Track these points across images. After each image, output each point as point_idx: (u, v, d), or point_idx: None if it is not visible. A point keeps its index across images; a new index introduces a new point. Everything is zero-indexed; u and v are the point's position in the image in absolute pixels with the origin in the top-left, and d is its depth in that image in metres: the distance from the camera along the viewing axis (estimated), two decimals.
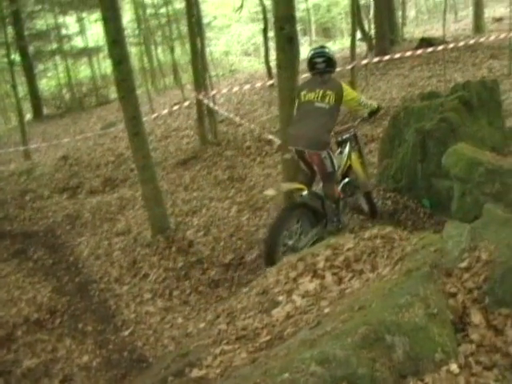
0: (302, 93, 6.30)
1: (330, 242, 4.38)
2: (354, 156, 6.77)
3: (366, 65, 14.52)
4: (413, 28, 32.49)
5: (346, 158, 6.64)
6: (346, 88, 6.23)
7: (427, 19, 40.59)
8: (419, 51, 13.52)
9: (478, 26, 21.45)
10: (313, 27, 41.40)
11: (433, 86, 13.40)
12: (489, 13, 26.61)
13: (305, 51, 31.40)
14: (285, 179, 7.19)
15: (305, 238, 6.13)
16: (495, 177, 4.68)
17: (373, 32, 21.41)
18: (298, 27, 33.37)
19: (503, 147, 7.15)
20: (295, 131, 6.22)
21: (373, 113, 6.59)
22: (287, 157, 6.87)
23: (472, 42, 14.37)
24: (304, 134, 6.07)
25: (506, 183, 4.66)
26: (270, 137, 11.12)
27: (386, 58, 13.61)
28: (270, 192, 6.36)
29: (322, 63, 6.18)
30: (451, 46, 14.06)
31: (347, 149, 6.67)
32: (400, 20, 26.20)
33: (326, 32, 44.71)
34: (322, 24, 43.01)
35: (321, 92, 6.11)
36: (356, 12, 16.69)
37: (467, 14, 30.91)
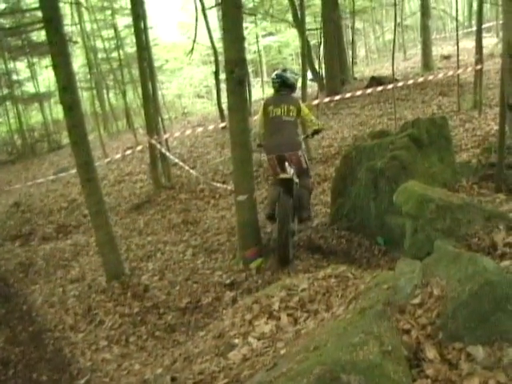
0: (270, 107, 7.64)
1: (284, 282, 4.41)
2: None
3: (317, 105, 14.73)
4: (363, 67, 33.24)
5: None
6: (303, 105, 7.80)
7: (377, 58, 41.57)
8: (369, 90, 13.78)
9: (427, 64, 22.00)
10: (264, 68, 41.90)
11: (384, 124, 13.68)
12: (437, 51, 27.39)
13: (257, 93, 31.76)
14: (239, 221, 7.26)
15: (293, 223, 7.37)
16: (446, 213, 4.77)
17: (323, 72, 21.77)
18: (250, 69, 33.78)
19: (454, 183, 7.29)
20: (274, 142, 7.51)
21: (316, 131, 7.97)
22: (241, 199, 6.93)
23: (421, 79, 14.75)
24: (283, 141, 7.42)
25: (457, 218, 4.76)
26: (218, 185, 11.20)
27: (337, 97, 13.86)
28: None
29: (279, 84, 7.73)
30: (401, 84, 14.41)
31: None
32: (350, 59, 26.71)
33: None
34: (273, 65, 43.57)
35: (285, 107, 7.51)
36: (306, 53, 17.02)
37: (416, 52, 31.79)
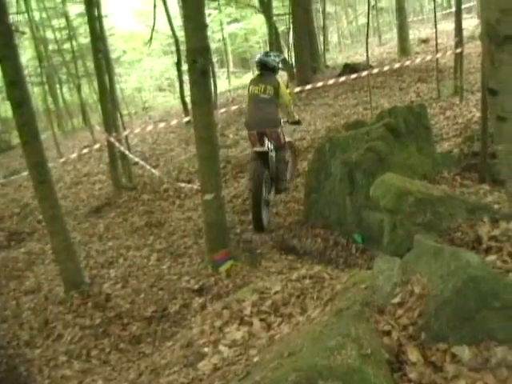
0: (250, 87, 8.95)
1: (256, 285, 4.41)
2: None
3: None
4: (336, 54, 33.33)
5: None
6: (282, 86, 8.85)
7: (350, 44, 41.70)
8: (343, 78, 13.79)
9: (404, 49, 22.04)
10: (230, 58, 41.84)
11: (359, 114, 13.76)
12: (414, 34, 27.52)
13: (223, 84, 31.72)
14: (206, 222, 7.24)
15: (269, 194, 8.73)
16: (426, 206, 4.80)
17: (293, 60, 21.79)
18: (215, 58, 33.71)
19: (435, 174, 7.35)
20: (254, 119, 8.78)
21: (294, 122, 9.35)
22: (208, 198, 6.92)
23: (398, 65, 14.82)
24: (262, 118, 8.64)
25: (438, 212, 4.79)
26: (183, 184, 11.17)
27: (308, 87, 13.85)
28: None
29: (260, 67, 8.97)
30: (376, 71, 14.44)
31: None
32: (322, 46, 26.73)
33: (245, 62, 45.28)
34: (239, 54, 43.58)
35: (263, 86, 8.71)
36: (274, 40, 17.09)
37: (392, 36, 31.94)
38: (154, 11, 15.26)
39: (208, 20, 28.49)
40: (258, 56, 9.22)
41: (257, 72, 9.22)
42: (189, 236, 8.84)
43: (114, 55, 28.57)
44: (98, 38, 12.35)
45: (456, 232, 4.62)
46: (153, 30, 15.25)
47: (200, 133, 6.84)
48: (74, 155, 15.48)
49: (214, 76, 19.59)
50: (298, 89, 14.45)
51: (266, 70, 8.93)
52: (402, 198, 4.88)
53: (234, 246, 7.61)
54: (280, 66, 9.24)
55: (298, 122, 9.47)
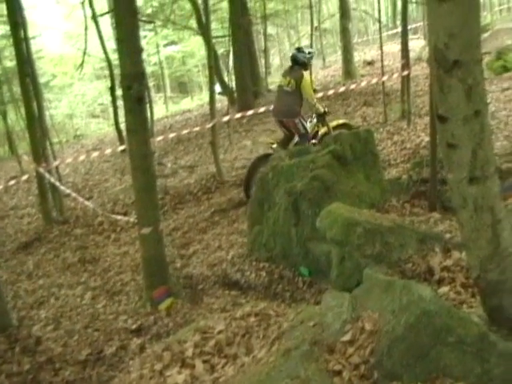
0: (280, 79, 10.52)
1: (198, 324, 4.37)
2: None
3: (228, 121, 14.79)
4: (278, 77, 33.50)
5: (311, 128, 10.52)
6: (306, 79, 10.04)
7: None
8: None
9: (349, 72, 22.23)
10: (167, 82, 41.82)
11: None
12: (359, 56, 27.93)
13: (160, 110, 31.64)
14: (144, 257, 7.17)
15: None
16: (375, 237, 4.84)
17: (234, 84, 21.88)
18: (151, 83, 33.58)
19: (383, 202, 7.42)
20: (275, 108, 10.59)
21: (319, 114, 10.50)
22: (145, 232, 6.85)
23: (342, 89, 14.99)
24: (280, 108, 10.37)
25: (388, 243, 4.84)
26: (118, 217, 11.07)
27: (250, 112, 13.91)
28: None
29: (292, 61, 10.30)
30: (320, 95, 14.56)
31: (310, 123, 10.54)
32: (263, 69, 26.93)
33: (183, 87, 45.29)
34: (177, 78, 43.57)
35: (288, 79, 10.12)
36: (213, 63, 17.07)
37: (336, 58, 32.34)
38: (86, 33, 15.19)
39: (143, 42, 28.51)
40: (292, 52, 10.69)
41: (289, 65, 10.53)
42: (126, 272, 8.73)
43: (42, 80, 28.26)
44: (25, 61, 12.20)
45: (407, 263, 4.67)
46: (84, 53, 15.16)
47: (136, 163, 6.78)
48: (0, 187, 15.20)
49: (151, 102, 19.52)
50: (238, 114, 14.48)
51: (297, 64, 10.19)
52: (350, 229, 4.91)
53: (174, 281, 7.53)
54: (310, 61, 10.62)
55: (323, 114, 10.48)
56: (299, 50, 10.52)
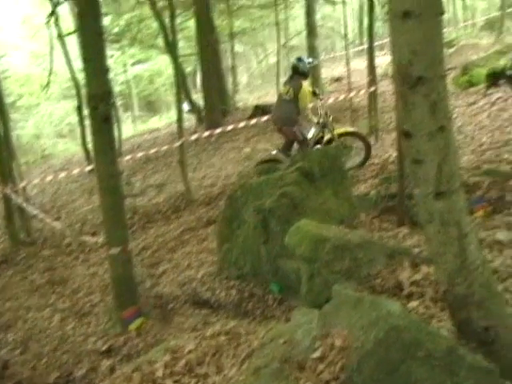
0: (281, 87, 10.83)
1: (168, 344, 4.35)
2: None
3: (196, 140, 14.78)
4: (246, 95, 33.59)
5: (314, 134, 10.68)
6: (304, 89, 10.23)
7: (261, 84, 42.14)
8: (254, 120, 13.92)
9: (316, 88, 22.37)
10: (135, 101, 41.68)
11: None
12: (326, 73, 28.05)
13: (128, 129, 31.50)
14: (113, 278, 7.12)
15: None
16: (344, 253, 4.86)
17: (202, 102, 21.88)
18: (118, 102, 33.35)
19: (352, 218, 7.44)
20: (273, 115, 10.88)
21: (324, 122, 10.74)
22: (114, 252, 6.82)
23: (310, 105, 15.03)
24: (279, 115, 10.56)
25: (357, 258, 4.85)
26: (86, 238, 11.00)
27: (218, 130, 13.92)
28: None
29: (292, 70, 10.51)
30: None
31: (314, 129, 10.71)
32: (231, 87, 26.99)
33: (151, 105, 45.16)
34: (145, 97, 43.41)
35: (287, 88, 10.33)
36: (181, 81, 17.08)
37: None
38: (51, 53, 15.11)
39: (110, 62, 28.39)
40: (292, 61, 10.87)
41: (289, 74, 10.71)
42: (95, 293, 8.66)
43: (9, 100, 28.02)
44: None
45: (376, 279, 4.69)
46: (50, 73, 15.08)
47: (103, 183, 6.75)
48: None
49: (118, 121, 19.50)
50: (207, 133, 14.48)
51: (297, 73, 10.42)
52: (319, 246, 4.92)
53: (144, 301, 7.49)
54: (310, 70, 10.94)
55: (317, 124, 10.75)
56: (299, 59, 10.71)
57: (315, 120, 10.68)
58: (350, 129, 11.57)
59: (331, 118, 10.87)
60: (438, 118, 2.82)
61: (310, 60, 11.08)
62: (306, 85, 10.62)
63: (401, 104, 2.87)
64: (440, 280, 3.25)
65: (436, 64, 2.80)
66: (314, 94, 11.01)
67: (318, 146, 10.58)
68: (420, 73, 2.75)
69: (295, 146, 10.67)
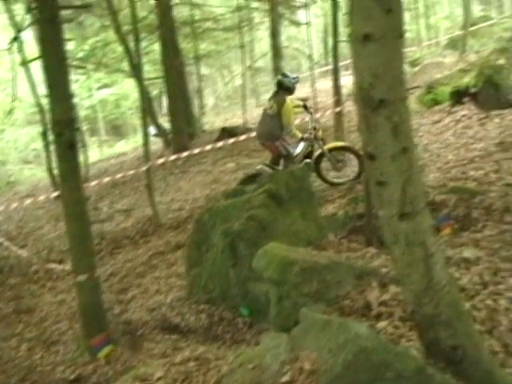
0: (266, 103, 10.84)
1: (138, 372, 4.31)
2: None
3: (163, 164, 14.75)
4: (213, 117, 33.65)
5: (303, 149, 10.80)
6: (287, 105, 10.36)
7: (228, 106, 42.25)
8: (220, 143, 13.97)
9: None
10: (101, 125, 41.52)
11: (239, 180, 13.87)
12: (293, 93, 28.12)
13: (94, 154, 31.36)
14: (81, 305, 7.06)
15: None
16: (312, 275, 4.87)
17: (168, 126, 21.88)
18: (85, 127, 33.23)
19: (320, 239, 7.45)
20: (258, 131, 11.04)
21: (314, 136, 10.86)
22: (81, 279, 6.76)
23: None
24: (262, 131, 10.72)
25: (325, 280, 4.86)
26: (53, 265, 10.90)
27: (185, 154, 13.93)
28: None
29: (277, 86, 10.65)
30: (254, 134, 14.66)
31: (303, 144, 10.82)
32: (198, 110, 27.01)
33: (117, 130, 45.00)
34: (111, 121, 43.23)
35: (271, 103, 10.52)
36: (147, 105, 17.11)
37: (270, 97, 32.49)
38: (14, 79, 15.02)
39: (75, 86, 28.28)
40: (277, 77, 11.05)
41: (274, 90, 10.80)
42: (62, 321, 8.56)
43: None
44: None
45: (345, 300, 4.70)
46: (14, 99, 14.99)
47: (69, 209, 6.70)
48: None
49: (85, 146, 19.35)
50: (173, 156, 14.49)
51: (282, 89, 10.54)
52: (287, 268, 4.92)
53: (113, 328, 7.42)
54: (295, 86, 10.81)
55: (301, 139, 10.85)
56: (284, 75, 10.90)
57: (299, 135, 10.77)
58: (340, 143, 11.73)
59: (321, 132, 11.04)
60: (400, 139, 2.85)
61: (295, 76, 11.12)
62: (290, 101, 10.66)
63: (363, 126, 2.90)
64: (407, 300, 3.27)
65: (397, 86, 2.83)
66: (305, 107, 11.25)
67: (308, 161, 10.79)
68: (381, 95, 2.77)
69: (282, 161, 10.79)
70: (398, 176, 2.88)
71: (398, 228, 3.00)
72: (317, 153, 10.90)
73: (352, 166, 11.15)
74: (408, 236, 2.99)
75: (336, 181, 11.22)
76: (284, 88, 10.56)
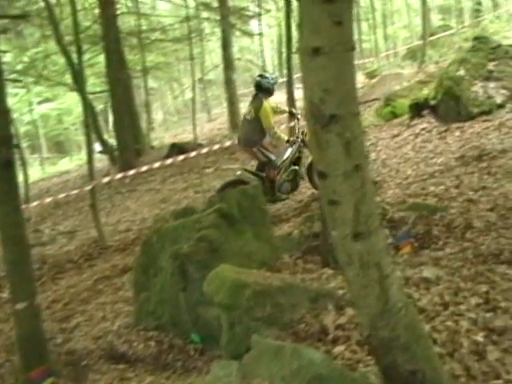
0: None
1: None
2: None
3: (109, 182, 14.66)
4: (162, 133, 33.56)
5: (290, 155, 10.82)
6: (265, 108, 10.30)
7: (177, 121, 42.19)
8: (170, 160, 13.94)
9: (235, 124, 22.40)
10: (43, 142, 41.12)
11: (190, 198, 13.86)
12: (246, 107, 28.15)
13: (35, 172, 31.02)
14: (19, 335, 6.94)
15: None
16: (265, 298, 4.86)
17: (115, 142, 21.74)
18: (24, 144, 32.81)
19: (275, 260, 7.44)
20: (238, 138, 11.07)
21: (303, 142, 10.82)
22: (20, 307, 6.66)
23: (229, 143, 15.10)
24: (241, 137, 10.84)
25: (279, 304, 4.86)
26: None
27: (132, 172, 13.85)
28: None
29: (255, 87, 10.65)
30: (205, 150, 14.68)
31: (290, 149, 10.84)
32: (146, 125, 26.92)
33: (60, 146, 44.62)
34: (53, 137, 42.85)
35: (249, 108, 10.64)
36: (91, 120, 16.97)
37: (222, 111, 32.60)
38: None
39: (14, 101, 28.01)
40: (255, 77, 11.21)
41: (254, 93, 10.85)
42: None
43: None
44: None
45: (300, 324, 4.71)
46: None
47: (6, 233, 6.57)
48: None
49: (24, 164, 19.18)
50: (120, 175, 14.41)
51: (260, 91, 10.54)
52: (239, 292, 4.92)
53: (55, 359, 7.30)
54: (274, 87, 10.84)
55: (287, 142, 10.85)
56: (262, 76, 10.95)
57: (285, 138, 10.83)
58: None
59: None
60: (353, 156, 2.87)
61: (273, 76, 11.30)
62: (268, 104, 10.60)
63: (314, 143, 2.92)
64: (363, 324, 3.29)
65: (349, 101, 2.85)
66: (291, 113, 11.52)
67: (295, 168, 10.87)
68: (332, 111, 2.79)
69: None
70: (351, 195, 2.90)
71: (351, 249, 3.02)
72: (309, 161, 10.80)
73: None
74: (362, 257, 3.01)
75: None
76: (263, 90, 10.57)
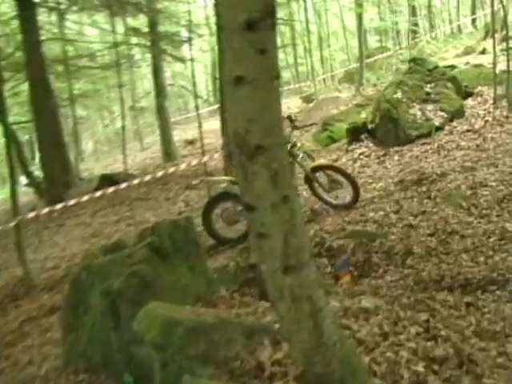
0: None
1: None
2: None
3: (36, 217, 14.49)
4: (92, 163, 33.35)
5: None
6: None
7: (108, 151, 42.00)
8: (99, 193, 13.85)
9: (168, 153, 22.57)
10: None
11: (122, 231, 13.78)
12: (180, 135, 28.22)
13: None
14: None
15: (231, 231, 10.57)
16: (199, 335, 4.85)
17: (41, 175, 21.53)
18: None
19: (210, 294, 7.43)
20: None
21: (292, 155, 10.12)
22: None
23: (161, 173, 15.07)
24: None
25: (213, 341, 4.85)
26: None
27: (60, 206, 13.70)
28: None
29: None
30: (137, 181, 14.61)
31: None
32: (74, 156, 26.74)
33: None
34: None
35: None
36: (16, 152, 16.82)
37: (155, 139, 32.57)
38: None
39: None
40: None
41: None
42: None
43: None
44: None
45: (235, 361, 4.71)
46: None
47: None
48: None
49: None
50: (47, 209, 14.23)
51: None
52: (171, 330, 4.90)
53: None
54: None
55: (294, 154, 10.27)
56: None
57: None
58: (325, 162, 11.49)
59: (299, 146, 10.62)
60: (280, 187, 2.89)
61: None
62: None
63: (240, 175, 2.94)
64: (297, 360, 3.30)
65: (274, 131, 2.88)
66: (290, 119, 10.47)
67: None
68: (258, 141, 2.81)
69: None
70: (280, 227, 2.92)
71: (282, 282, 3.03)
72: (308, 167, 10.32)
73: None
74: (293, 291, 3.03)
75: (334, 202, 10.50)
76: None
